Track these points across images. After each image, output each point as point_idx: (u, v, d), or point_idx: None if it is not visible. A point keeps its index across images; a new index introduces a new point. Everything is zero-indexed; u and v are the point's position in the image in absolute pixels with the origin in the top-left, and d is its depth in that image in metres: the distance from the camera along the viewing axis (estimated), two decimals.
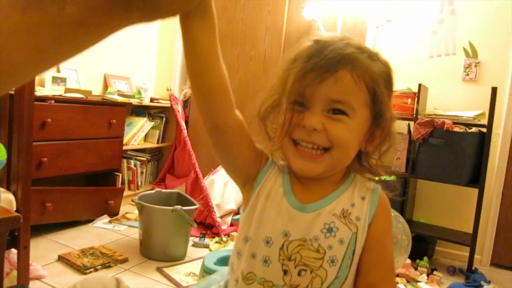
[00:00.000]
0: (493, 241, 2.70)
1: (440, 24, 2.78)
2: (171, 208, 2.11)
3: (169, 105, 3.48)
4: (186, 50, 0.61)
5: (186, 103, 3.71)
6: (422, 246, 2.55)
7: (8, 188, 1.66)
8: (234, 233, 2.62)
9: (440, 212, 2.76)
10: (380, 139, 0.71)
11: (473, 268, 2.45)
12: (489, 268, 2.65)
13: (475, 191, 2.44)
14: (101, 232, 2.45)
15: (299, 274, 0.67)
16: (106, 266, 1.99)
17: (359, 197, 0.71)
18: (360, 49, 0.67)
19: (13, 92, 1.61)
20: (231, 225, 2.77)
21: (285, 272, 0.68)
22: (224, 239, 2.54)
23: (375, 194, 0.72)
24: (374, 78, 0.67)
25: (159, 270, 2.04)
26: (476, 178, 2.40)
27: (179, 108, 3.45)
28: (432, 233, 2.62)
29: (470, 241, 2.42)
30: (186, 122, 3.52)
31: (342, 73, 0.64)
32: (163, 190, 2.52)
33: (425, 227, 2.68)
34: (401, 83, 2.69)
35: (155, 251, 2.16)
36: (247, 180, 0.74)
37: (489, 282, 2.25)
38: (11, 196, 1.58)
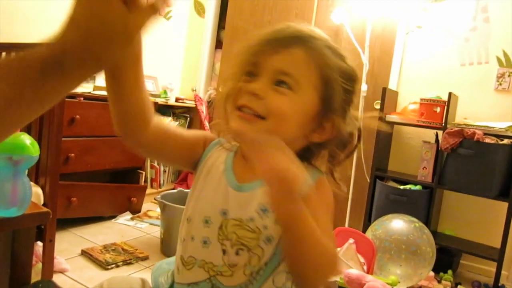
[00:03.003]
0: None
1: (473, 31, 2.70)
2: None
3: (193, 105, 3.50)
4: (108, 82, 0.62)
5: (210, 103, 3.73)
6: (447, 258, 2.48)
7: (36, 182, 1.69)
8: None
9: (466, 225, 2.68)
10: (329, 135, 0.70)
11: (499, 285, 2.36)
12: None
13: (505, 204, 2.35)
14: (123, 229, 2.48)
15: (236, 253, 0.67)
16: (127, 262, 2.01)
17: None
18: (326, 43, 0.69)
19: None
20: None
21: (224, 252, 0.68)
22: None
23: (312, 178, 0.69)
24: (330, 66, 0.68)
25: None
26: (506, 191, 2.32)
27: (203, 108, 3.47)
28: (458, 246, 2.54)
29: (498, 256, 2.34)
30: (209, 123, 3.53)
31: (296, 49, 0.66)
32: (185, 190, 2.53)
33: (450, 240, 2.60)
34: (430, 91, 2.63)
35: (176, 250, 2.17)
36: (194, 165, 0.76)
37: None
38: (39, 190, 1.62)
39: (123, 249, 2.14)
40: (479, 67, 2.69)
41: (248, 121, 0.65)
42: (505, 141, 2.30)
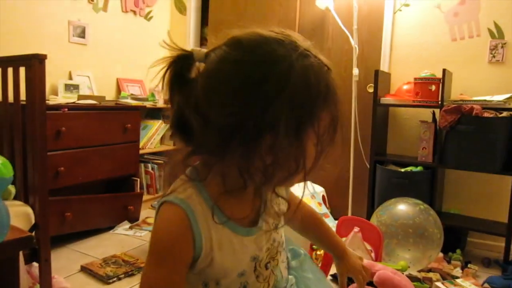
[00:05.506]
0: None
1: (461, 5, 2.64)
2: None
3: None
4: None
5: None
6: (454, 238, 2.44)
7: (25, 201, 1.62)
8: None
9: (471, 202, 2.64)
10: None
11: (510, 259, 2.33)
12: None
13: (509, 178, 2.32)
14: (122, 239, 2.41)
15: (266, 268, 0.71)
16: (129, 274, 1.94)
17: None
18: None
19: (24, 103, 1.57)
20: None
21: (257, 277, 0.70)
22: None
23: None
24: None
25: None
26: (510, 165, 2.27)
27: None
28: (464, 224, 2.51)
29: (506, 230, 2.30)
30: None
31: None
32: None
33: (456, 218, 2.56)
34: (423, 69, 2.57)
35: None
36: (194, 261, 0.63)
37: None
38: (29, 209, 1.54)
39: (123, 260, 2.07)
40: (471, 40, 2.63)
41: None
42: (504, 113, 2.25)
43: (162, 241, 0.59)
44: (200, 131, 0.57)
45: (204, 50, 0.63)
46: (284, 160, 0.58)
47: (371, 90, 2.82)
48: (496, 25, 2.55)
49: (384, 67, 2.85)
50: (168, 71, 0.63)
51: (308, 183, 2.77)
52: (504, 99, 2.28)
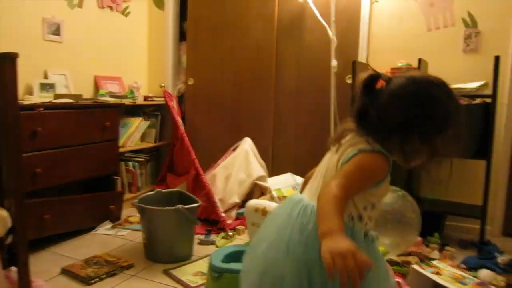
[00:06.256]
0: (503, 211, 2.65)
1: None
2: (173, 208, 2.05)
3: (163, 102, 3.40)
4: None
5: (180, 98, 3.63)
6: (432, 222, 2.49)
7: (1, 204, 1.59)
8: (240, 227, 2.57)
9: (447, 187, 2.70)
10: None
11: (485, 240, 2.40)
12: (501, 238, 2.61)
13: (483, 162, 2.38)
14: (104, 239, 2.39)
15: None
16: (111, 274, 1.93)
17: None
18: None
19: None
20: (237, 219, 2.72)
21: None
22: (231, 233, 2.49)
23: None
24: None
25: (166, 272, 1.99)
26: (483, 149, 2.34)
27: (174, 104, 3.37)
28: (441, 208, 2.58)
29: (480, 213, 2.37)
30: (183, 118, 3.44)
31: None
32: (164, 190, 2.45)
33: (434, 203, 2.63)
34: (400, 59, 2.60)
35: (160, 254, 2.11)
36: None
37: (502, 253, 2.19)
38: (4, 213, 1.52)
39: (106, 260, 2.06)
40: (445, 30, 2.68)
41: None
42: (478, 100, 2.31)
43: (366, 173, 0.90)
44: (376, 121, 0.92)
45: (388, 75, 0.95)
46: (417, 153, 0.93)
47: (349, 81, 2.84)
48: (469, 15, 2.60)
49: (362, 58, 2.87)
50: (364, 81, 0.94)
51: (289, 174, 2.80)
52: (477, 86, 2.33)
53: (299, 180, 2.80)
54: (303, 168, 3.12)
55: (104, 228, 2.53)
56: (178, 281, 1.91)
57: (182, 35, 3.63)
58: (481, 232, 2.40)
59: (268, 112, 3.24)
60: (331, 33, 2.69)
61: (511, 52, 2.50)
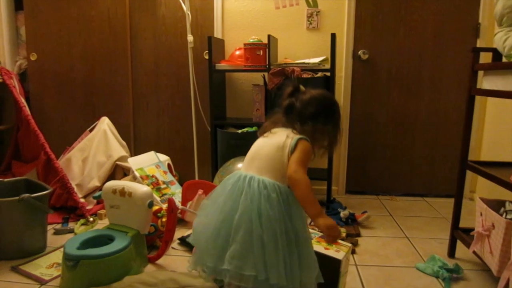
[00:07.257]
0: (345, 172, 3.05)
1: None
2: (17, 198, 1.84)
3: (0, 80, 2.95)
4: None
5: (23, 76, 3.21)
6: None
7: None
8: (102, 211, 2.44)
9: None
10: None
11: (332, 198, 2.75)
12: (345, 196, 3.02)
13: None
14: None
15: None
16: None
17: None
18: None
19: None
20: (98, 203, 2.57)
21: None
22: (91, 219, 2.35)
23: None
24: None
25: (15, 269, 1.80)
26: None
27: (14, 83, 2.96)
28: None
29: (326, 175, 2.69)
30: (27, 99, 3.06)
31: None
32: (6, 180, 2.17)
33: None
34: (252, 35, 2.73)
35: (7, 250, 1.89)
36: None
37: (345, 208, 2.55)
38: None
39: None
40: (291, 9, 2.89)
41: None
42: (319, 74, 2.58)
43: (309, 156, 1.28)
44: (298, 112, 1.33)
45: (304, 89, 1.40)
46: (323, 135, 1.35)
47: (207, 56, 2.88)
48: None
49: (217, 33, 2.93)
50: (290, 88, 1.40)
51: (152, 153, 2.75)
52: (319, 61, 2.59)
53: (163, 158, 2.77)
54: (167, 146, 3.13)
55: None
56: (30, 276, 1.74)
57: (18, 3, 3.18)
58: (327, 192, 2.72)
59: (126, 88, 3.10)
60: (185, 7, 2.66)
61: (345, 29, 2.85)
